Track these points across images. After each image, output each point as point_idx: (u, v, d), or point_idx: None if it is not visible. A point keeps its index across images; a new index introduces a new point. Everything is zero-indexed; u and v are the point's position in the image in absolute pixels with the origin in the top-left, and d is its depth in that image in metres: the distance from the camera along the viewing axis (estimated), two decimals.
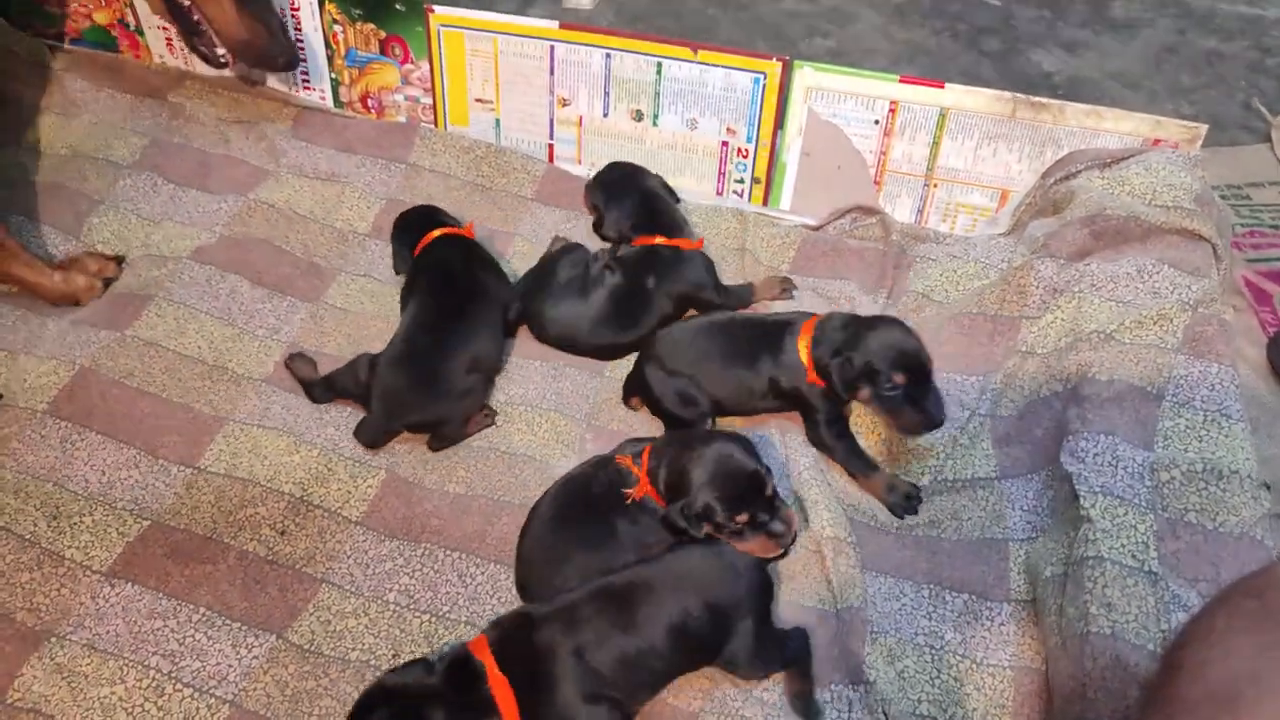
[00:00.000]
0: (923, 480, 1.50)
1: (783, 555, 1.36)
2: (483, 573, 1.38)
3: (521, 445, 1.55)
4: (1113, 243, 1.64)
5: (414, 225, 1.76)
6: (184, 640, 1.28)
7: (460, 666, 1.16)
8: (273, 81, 2.12)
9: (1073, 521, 1.30)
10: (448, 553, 1.40)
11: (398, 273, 1.78)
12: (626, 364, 1.67)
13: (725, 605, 1.23)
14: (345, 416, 1.56)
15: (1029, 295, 1.62)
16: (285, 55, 1.89)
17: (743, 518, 1.28)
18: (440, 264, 1.69)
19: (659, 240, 1.74)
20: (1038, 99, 1.79)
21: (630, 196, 1.83)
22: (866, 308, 1.75)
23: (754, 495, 1.29)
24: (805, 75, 1.84)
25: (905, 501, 1.47)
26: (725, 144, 1.94)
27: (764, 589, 1.29)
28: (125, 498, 1.43)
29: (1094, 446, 1.35)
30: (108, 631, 1.28)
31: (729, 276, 1.81)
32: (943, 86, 1.81)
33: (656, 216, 1.79)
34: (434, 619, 1.33)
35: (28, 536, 1.37)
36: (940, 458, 1.51)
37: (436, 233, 1.72)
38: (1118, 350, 1.46)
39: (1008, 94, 1.79)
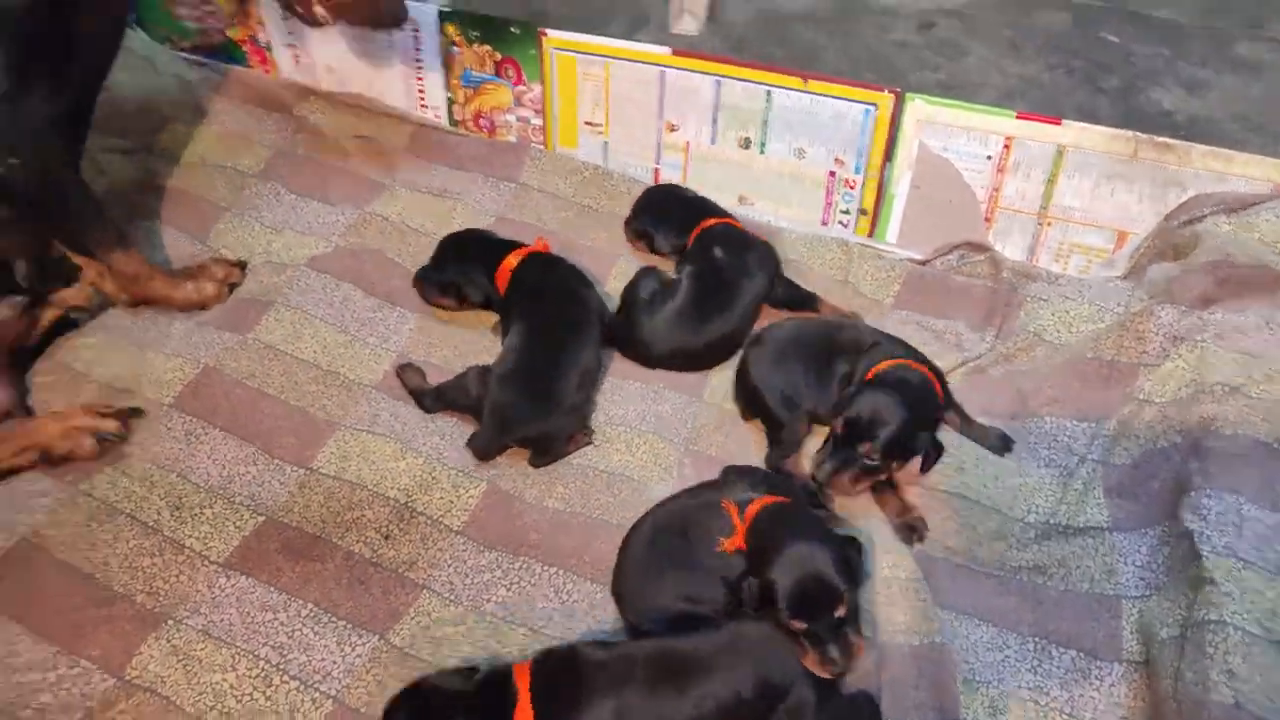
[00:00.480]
0: (1028, 518, 1.46)
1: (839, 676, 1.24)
2: (579, 590, 1.40)
3: (619, 466, 1.57)
4: (1239, 291, 1.58)
5: (479, 251, 1.78)
6: (292, 634, 1.32)
7: (496, 685, 1.15)
8: (391, 99, 2.20)
9: (1192, 582, 1.25)
10: (545, 567, 1.42)
11: (469, 300, 1.78)
12: (725, 389, 1.68)
13: (781, 683, 1.19)
14: (450, 426, 1.60)
15: (1148, 341, 1.58)
16: (394, 16, 1.74)
17: (800, 625, 1.19)
18: (541, 282, 1.72)
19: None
20: (1162, 139, 1.74)
21: (673, 209, 1.90)
22: (974, 346, 1.73)
23: (820, 611, 1.18)
24: (917, 108, 1.82)
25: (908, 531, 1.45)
26: (833, 174, 1.94)
27: None
28: (243, 493, 1.49)
29: (1217, 504, 1.30)
30: (222, 620, 1.33)
31: (831, 303, 1.80)
32: (1060, 123, 1.77)
33: (705, 212, 1.86)
34: (530, 633, 1.35)
35: (151, 524, 1.43)
36: (1049, 500, 1.47)
37: (523, 252, 1.75)
38: (1244, 404, 1.41)
39: (1129, 133, 1.75)
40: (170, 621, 1.32)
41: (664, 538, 1.38)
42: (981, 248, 1.88)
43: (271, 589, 1.37)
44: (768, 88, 1.88)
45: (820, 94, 1.86)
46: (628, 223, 1.95)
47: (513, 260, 1.73)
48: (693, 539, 1.35)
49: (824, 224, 1.99)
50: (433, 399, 1.61)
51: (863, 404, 1.44)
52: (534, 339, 1.62)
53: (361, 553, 1.42)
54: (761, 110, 1.91)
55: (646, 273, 1.79)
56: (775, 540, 1.24)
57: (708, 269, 1.76)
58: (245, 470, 1.52)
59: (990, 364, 1.71)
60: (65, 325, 1.75)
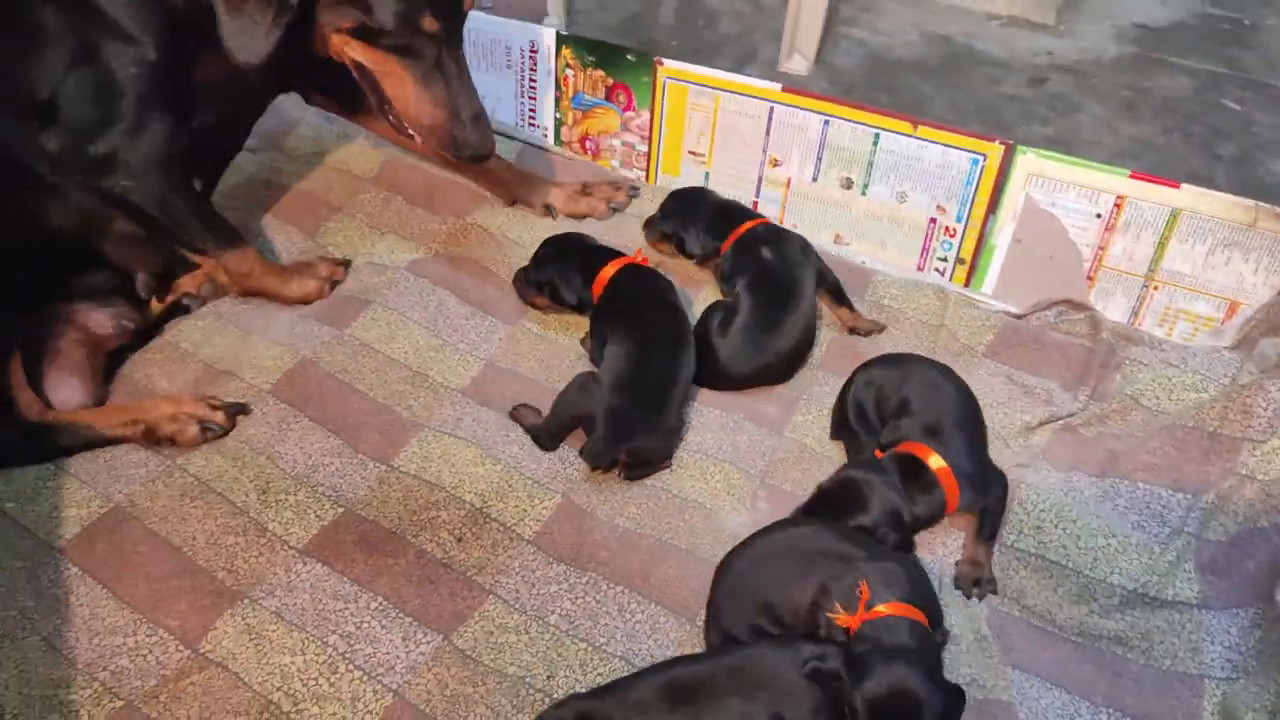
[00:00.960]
0: (1111, 579, 1.41)
1: None
2: (643, 611, 1.39)
3: (693, 492, 1.56)
4: None
5: (579, 255, 1.80)
6: (360, 625, 1.34)
7: None
8: (502, 115, 2.26)
9: None
10: (611, 585, 1.42)
11: (562, 302, 1.80)
12: (807, 426, 1.66)
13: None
14: (529, 437, 1.62)
15: (1254, 416, 1.51)
16: (473, 150, 1.61)
17: None
18: (640, 294, 1.72)
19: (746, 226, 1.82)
20: None
21: (700, 209, 1.90)
22: (1065, 404, 1.68)
23: None
24: (1028, 161, 1.79)
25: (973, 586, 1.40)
26: (933, 220, 1.92)
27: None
28: (325, 483, 1.53)
29: None
30: (295, 604, 1.36)
31: (923, 348, 1.78)
32: (1178, 186, 1.72)
33: (734, 213, 1.86)
34: (590, 648, 1.35)
35: (239, 505, 1.48)
36: (1135, 566, 1.41)
37: (621, 262, 1.76)
38: None
39: (1251, 202, 1.69)
40: (246, 601, 1.36)
41: (783, 563, 1.33)
42: (1081, 306, 1.83)
43: (344, 579, 1.40)
44: (876, 130, 1.88)
45: (929, 140, 1.85)
46: (651, 223, 1.94)
47: (611, 269, 1.75)
48: (810, 583, 1.28)
49: (919, 269, 1.97)
50: (550, 436, 1.60)
51: (843, 482, 1.43)
52: (641, 350, 1.61)
53: (433, 552, 1.44)
54: (867, 152, 1.90)
55: (713, 306, 1.78)
56: (882, 667, 1.13)
57: (761, 273, 1.74)
58: (330, 461, 1.56)
59: (1081, 424, 1.66)
60: (177, 310, 1.85)
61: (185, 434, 1.54)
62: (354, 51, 1.53)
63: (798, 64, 3.01)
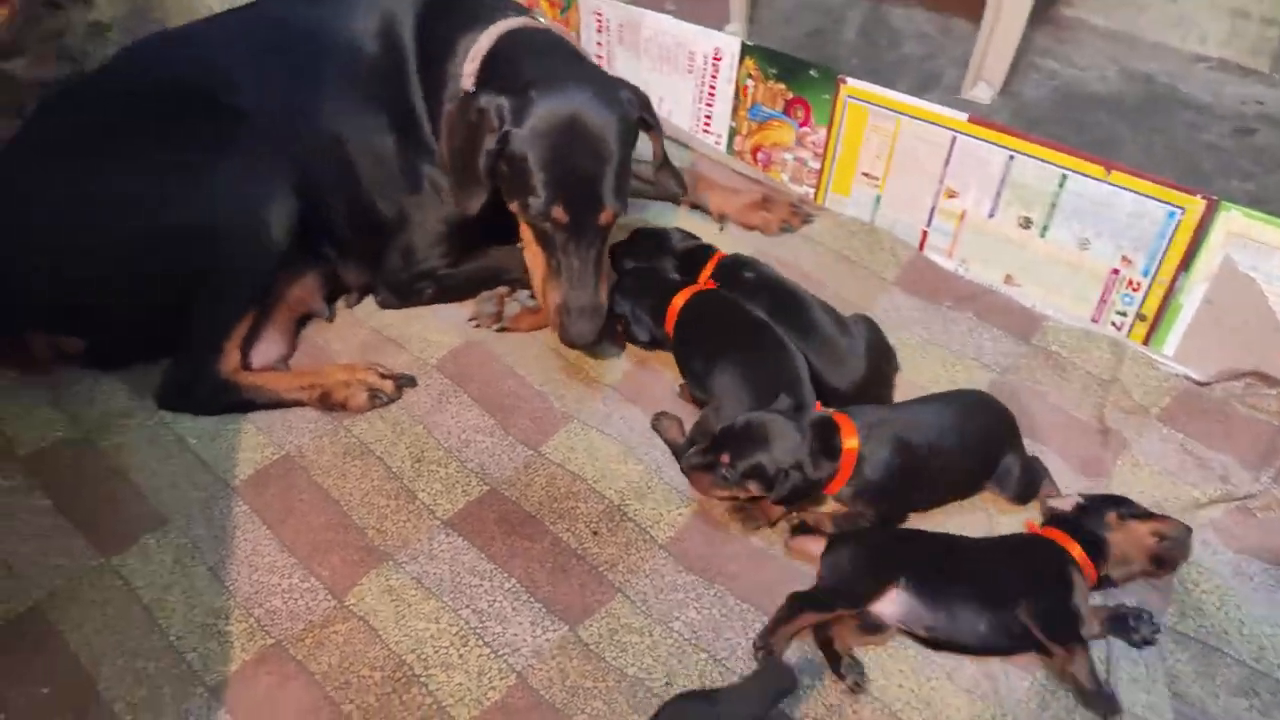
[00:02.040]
0: (1277, 673, 1.30)
1: None
2: None
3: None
4: None
5: (655, 287, 1.75)
6: (493, 603, 1.39)
7: None
8: (678, 119, 2.29)
9: None
10: (738, 601, 1.42)
11: (635, 340, 1.77)
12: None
13: None
14: None
15: None
16: (571, 340, 1.66)
17: None
18: (721, 312, 1.69)
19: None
20: None
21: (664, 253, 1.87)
22: (1243, 484, 1.57)
23: None
24: (1231, 219, 1.68)
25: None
26: (1116, 271, 1.82)
27: None
28: (474, 460, 1.59)
29: None
30: (435, 573, 1.42)
31: (1090, 409, 1.69)
32: None
33: (697, 254, 1.84)
34: (712, 661, 1.35)
35: (394, 469, 1.56)
36: None
37: (688, 292, 1.72)
38: None
39: None
40: (391, 563, 1.43)
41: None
42: (1273, 381, 1.70)
43: (482, 556, 1.45)
44: (1064, 171, 1.80)
45: (1121, 186, 1.75)
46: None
47: (680, 299, 1.70)
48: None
49: (1095, 320, 1.87)
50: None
51: (750, 419, 1.45)
52: (752, 366, 1.58)
53: (568, 542, 1.48)
54: (1052, 193, 1.82)
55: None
56: None
57: (759, 293, 1.72)
58: (481, 440, 1.62)
59: (1260, 507, 1.55)
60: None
61: (356, 400, 1.63)
62: (522, 229, 1.68)
63: (982, 92, 2.91)
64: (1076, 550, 1.37)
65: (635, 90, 1.66)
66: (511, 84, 1.58)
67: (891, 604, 1.35)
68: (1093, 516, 1.41)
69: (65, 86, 1.93)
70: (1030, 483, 1.53)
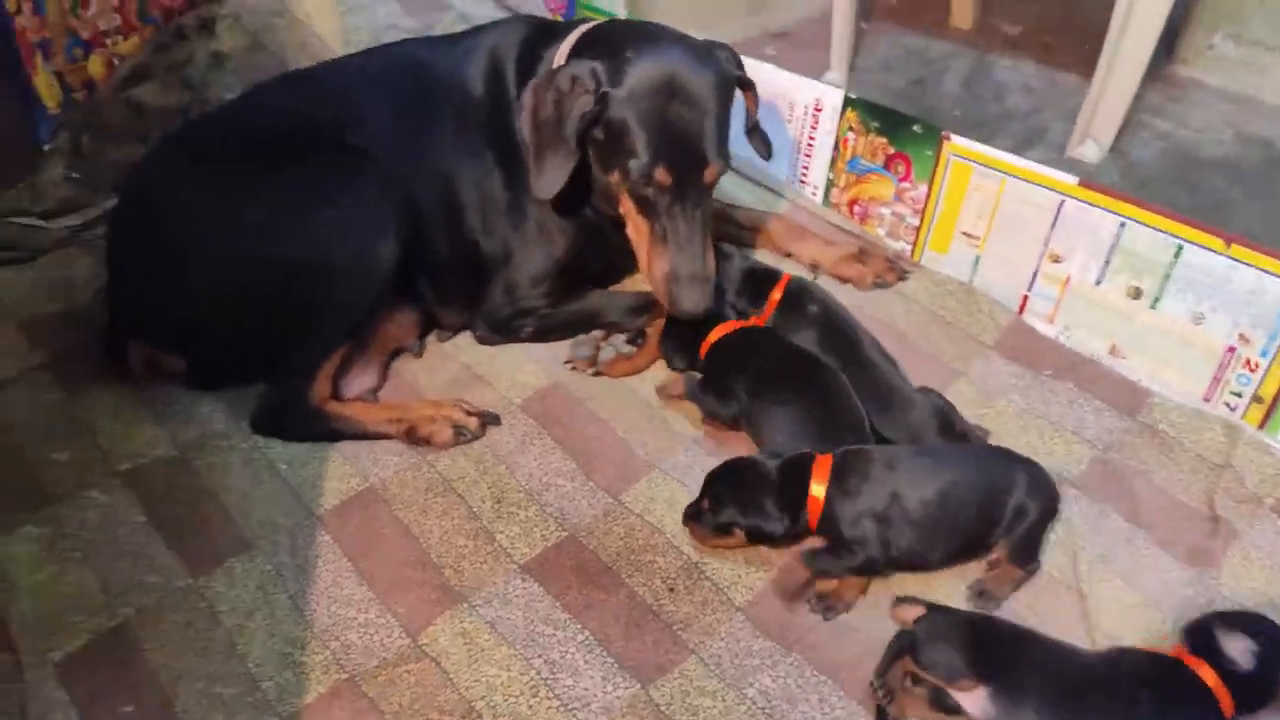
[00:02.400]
0: None
1: None
2: (843, 707, 1.33)
3: (915, 591, 1.49)
4: None
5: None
6: (565, 655, 1.37)
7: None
8: (774, 168, 2.27)
9: None
10: (815, 672, 1.37)
11: (676, 368, 1.78)
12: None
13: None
14: None
15: None
16: (681, 308, 1.66)
17: None
18: (764, 347, 1.68)
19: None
20: None
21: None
22: None
23: None
24: None
25: None
26: (1232, 349, 1.73)
27: None
28: (555, 504, 1.58)
29: None
30: (509, 619, 1.41)
31: (1199, 494, 1.60)
32: None
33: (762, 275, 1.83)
34: None
35: (474, 509, 1.56)
36: None
37: (721, 331, 1.70)
38: None
39: None
40: (465, 605, 1.43)
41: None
42: None
43: (557, 604, 1.44)
44: (1180, 241, 1.72)
45: (1242, 261, 1.67)
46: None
47: (715, 335, 1.69)
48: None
49: (1206, 399, 1.78)
50: None
51: (729, 463, 1.48)
52: (810, 399, 1.57)
53: (644, 596, 1.45)
54: (1166, 263, 1.75)
55: None
56: None
57: (816, 334, 1.72)
58: (562, 483, 1.61)
59: None
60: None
61: (441, 435, 1.64)
62: (624, 207, 1.67)
63: (1090, 151, 2.82)
64: (1211, 678, 1.21)
65: (729, 49, 1.67)
66: (603, 54, 1.58)
67: (977, 701, 1.27)
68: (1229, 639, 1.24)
69: (196, 118, 2.02)
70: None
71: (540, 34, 1.84)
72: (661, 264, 1.62)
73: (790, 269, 1.97)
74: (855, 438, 1.52)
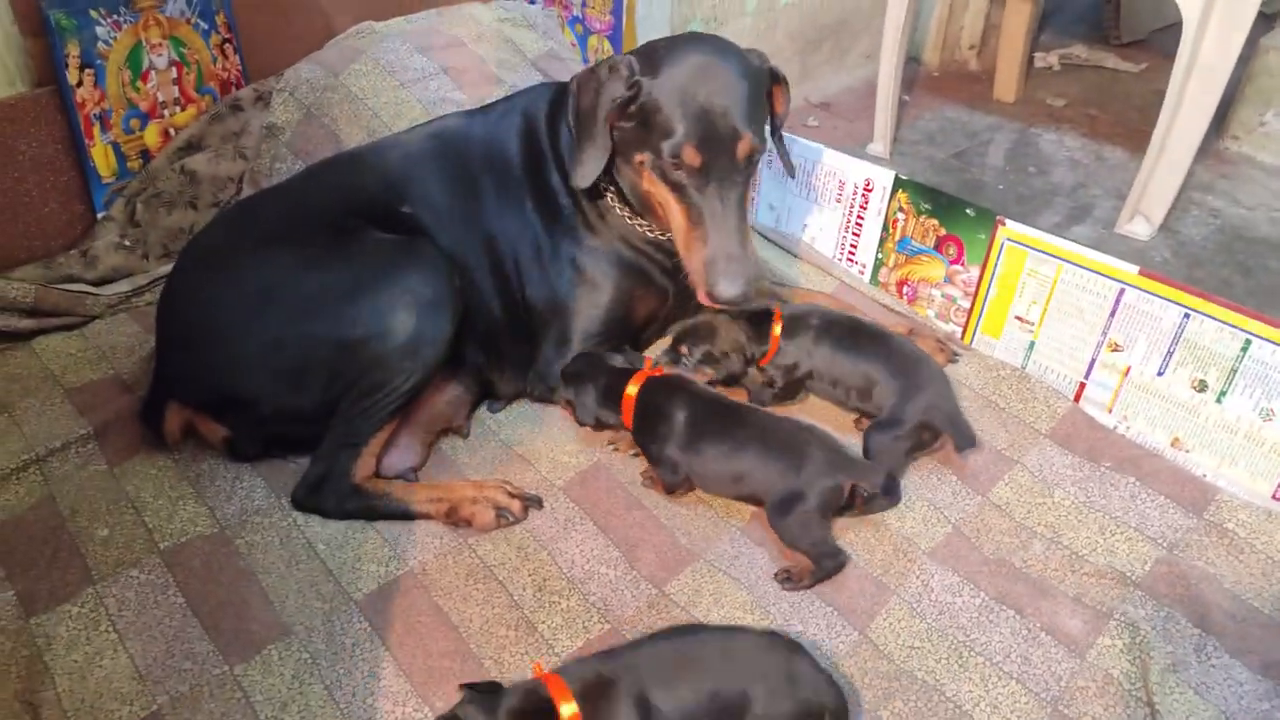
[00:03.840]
0: None
1: None
2: None
3: (969, 701, 1.41)
4: None
5: (603, 372, 1.74)
6: None
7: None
8: (822, 245, 2.25)
9: None
10: None
11: (584, 423, 1.76)
12: (1115, 649, 1.47)
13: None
14: (804, 597, 1.55)
15: None
16: (718, 294, 1.64)
17: None
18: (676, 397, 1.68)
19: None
20: None
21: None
22: None
23: None
24: None
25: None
26: None
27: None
28: (597, 594, 1.53)
29: None
30: None
31: (1271, 600, 1.53)
32: None
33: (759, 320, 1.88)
34: None
35: (516, 597, 1.52)
36: None
37: (641, 378, 1.71)
38: None
39: None
40: None
41: None
42: None
43: None
44: (1248, 335, 1.67)
45: None
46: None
47: (634, 386, 1.70)
48: None
49: (1276, 499, 1.71)
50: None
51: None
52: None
53: None
54: (1233, 358, 1.69)
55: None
56: None
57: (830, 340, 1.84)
58: (605, 571, 1.57)
59: None
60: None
61: (482, 517, 1.61)
62: (650, 185, 1.69)
63: (1140, 228, 2.78)
64: None
65: (758, 51, 1.73)
66: (640, 51, 1.68)
67: None
68: None
69: (254, 194, 2.04)
70: None
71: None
72: (700, 251, 1.61)
73: None
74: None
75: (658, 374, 1.73)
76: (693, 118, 1.59)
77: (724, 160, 1.60)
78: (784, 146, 1.87)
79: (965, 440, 1.72)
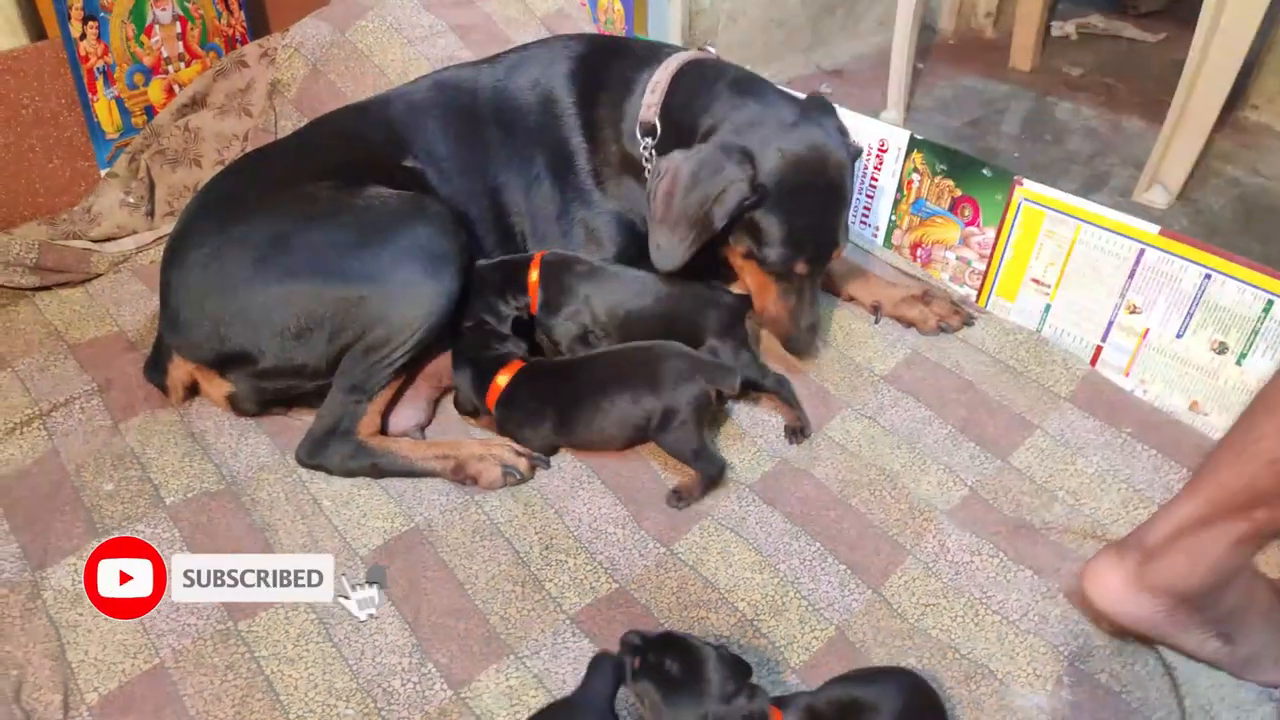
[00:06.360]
0: None
1: None
2: None
3: (985, 656, 1.39)
4: None
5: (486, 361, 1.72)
6: None
7: None
8: None
9: None
10: None
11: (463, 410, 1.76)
12: None
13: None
14: (814, 551, 1.53)
15: None
16: (799, 351, 1.80)
17: None
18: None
19: None
20: None
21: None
22: None
23: None
24: None
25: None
26: None
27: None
28: (605, 553, 1.52)
29: None
30: (557, 674, 1.34)
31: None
32: None
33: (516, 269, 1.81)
34: None
35: (522, 554, 1.50)
36: None
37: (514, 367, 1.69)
38: None
39: None
40: (512, 657, 1.37)
41: None
42: None
43: None
44: (1271, 296, 1.63)
45: None
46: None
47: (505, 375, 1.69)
48: None
49: None
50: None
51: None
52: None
53: None
54: (1254, 319, 1.66)
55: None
56: None
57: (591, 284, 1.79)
58: (613, 531, 1.55)
59: None
60: None
61: (489, 474, 1.59)
62: (742, 265, 1.77)
63: (1157, 196, 2.74)
64: None
65: (834, 113, 1.78)
66: (738, 124, 1.67)
67: None
68: None
69: (258, 148, 2.01)
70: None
71: (598, 51, 1.89)
72: (784, 316, 1.75)
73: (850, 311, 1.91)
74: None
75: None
76: (808, 240, 1.67)
77: (822, 263, 1.72)
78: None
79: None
